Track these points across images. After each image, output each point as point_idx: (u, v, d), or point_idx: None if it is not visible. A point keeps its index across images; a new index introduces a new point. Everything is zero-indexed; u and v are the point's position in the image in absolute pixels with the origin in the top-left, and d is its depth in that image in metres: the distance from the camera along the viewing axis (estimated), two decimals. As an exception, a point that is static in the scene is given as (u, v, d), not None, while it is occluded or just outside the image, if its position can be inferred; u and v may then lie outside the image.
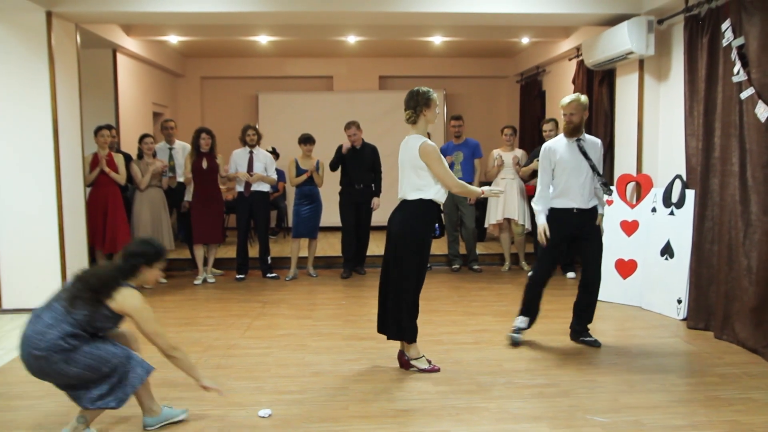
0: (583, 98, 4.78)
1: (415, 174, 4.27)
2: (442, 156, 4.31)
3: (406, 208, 4.29)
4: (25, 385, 4.16)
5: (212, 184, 7.20)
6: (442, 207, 5.04)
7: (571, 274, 7.43)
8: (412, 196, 4.26)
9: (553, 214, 4.80)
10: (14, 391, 4.08)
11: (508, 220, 7.69)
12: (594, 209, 4.82)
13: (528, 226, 7.66)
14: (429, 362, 4.37)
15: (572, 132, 4.75)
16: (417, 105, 4.33)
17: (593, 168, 4.72)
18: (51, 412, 3.72)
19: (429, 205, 4.25)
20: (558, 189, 4.79)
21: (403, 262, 4.24)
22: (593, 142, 4.86)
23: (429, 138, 4.45)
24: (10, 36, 5.83)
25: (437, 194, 4.27)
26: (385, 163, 7.74)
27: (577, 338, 4.97)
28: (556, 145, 4.83)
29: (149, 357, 4.65)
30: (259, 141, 7.50)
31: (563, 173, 4.74)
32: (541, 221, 4.80)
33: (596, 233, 4.83)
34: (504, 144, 7.78)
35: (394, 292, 4.28)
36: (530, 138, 9.70)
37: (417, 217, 4.25)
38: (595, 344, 4.86)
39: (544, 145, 4.91)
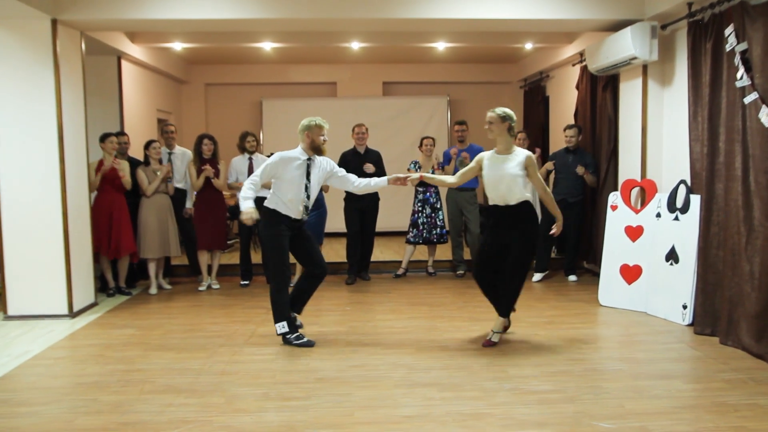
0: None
1: None
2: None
3: None
4: (30, 392, 4.18)
5: (215, 190, 7.20)
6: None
7: (572, 278, 7.44)
8: None
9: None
10: (19, 397, 4.09)
11: None
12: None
13: None
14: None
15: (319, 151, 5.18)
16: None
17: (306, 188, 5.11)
18: (55, 418, 3.73)
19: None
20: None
21: None
22: (320, 162, 5.24)
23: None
24: (16, 43, 5.86)
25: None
26: (389, 169, 7.74)
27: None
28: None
29: (155, 362, 4.66)
30: (258, 147, 7.51)
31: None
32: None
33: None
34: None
35: None
36: (534, 143, 9.69)
37: None
38: (309, 344, 5.08)
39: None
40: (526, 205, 4.92)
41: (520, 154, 4.91)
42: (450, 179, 5.39)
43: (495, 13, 6.16)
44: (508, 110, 4.94)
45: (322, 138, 5.17)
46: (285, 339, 5.10)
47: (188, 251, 7.66)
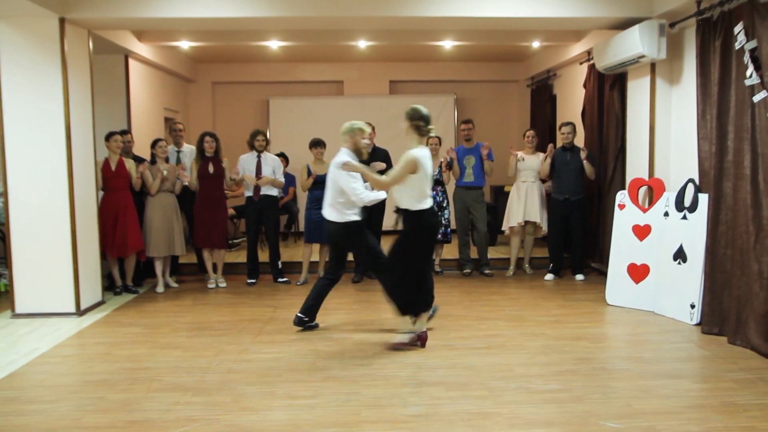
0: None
1: None
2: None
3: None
4: (38, 390, 4.19)
5: (218, 188, 7.19)
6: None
7: (579, 277, 7.42)
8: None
9: None
10: (27, 395, 4.10)
11: (524, 224, 7.72)
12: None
13: (546, 228, 7.68)
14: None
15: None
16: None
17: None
18: (63, 416, 3.74)
19: None
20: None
21: None
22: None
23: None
24: (24, 42, 5.87)
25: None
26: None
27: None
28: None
29: (162, 360, 4.67)
30: (267, 146, 7.51)
31: None
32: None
33: None
34: (526, 146, 7.81)
35: None
36: (541, 141, 9.65)
37: None
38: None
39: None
40: (408, 212, 4.78)
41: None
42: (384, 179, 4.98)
43: (502, 11, 6.14)
44: (419, 108, 4.73)
45: (364, 141, 5.37)
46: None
47: (196, 249, 7.67)
